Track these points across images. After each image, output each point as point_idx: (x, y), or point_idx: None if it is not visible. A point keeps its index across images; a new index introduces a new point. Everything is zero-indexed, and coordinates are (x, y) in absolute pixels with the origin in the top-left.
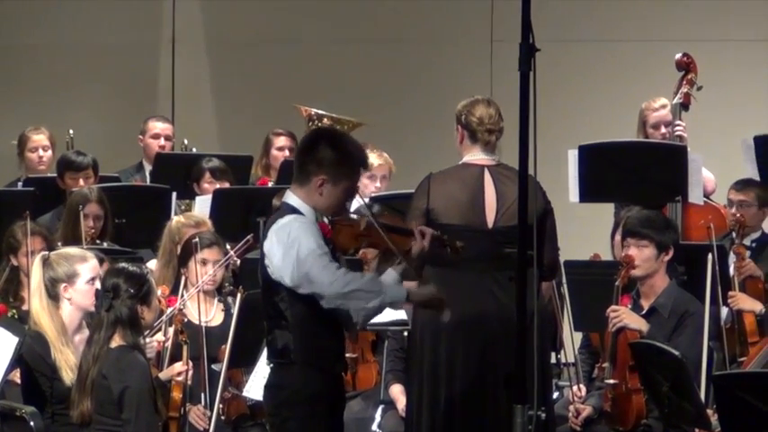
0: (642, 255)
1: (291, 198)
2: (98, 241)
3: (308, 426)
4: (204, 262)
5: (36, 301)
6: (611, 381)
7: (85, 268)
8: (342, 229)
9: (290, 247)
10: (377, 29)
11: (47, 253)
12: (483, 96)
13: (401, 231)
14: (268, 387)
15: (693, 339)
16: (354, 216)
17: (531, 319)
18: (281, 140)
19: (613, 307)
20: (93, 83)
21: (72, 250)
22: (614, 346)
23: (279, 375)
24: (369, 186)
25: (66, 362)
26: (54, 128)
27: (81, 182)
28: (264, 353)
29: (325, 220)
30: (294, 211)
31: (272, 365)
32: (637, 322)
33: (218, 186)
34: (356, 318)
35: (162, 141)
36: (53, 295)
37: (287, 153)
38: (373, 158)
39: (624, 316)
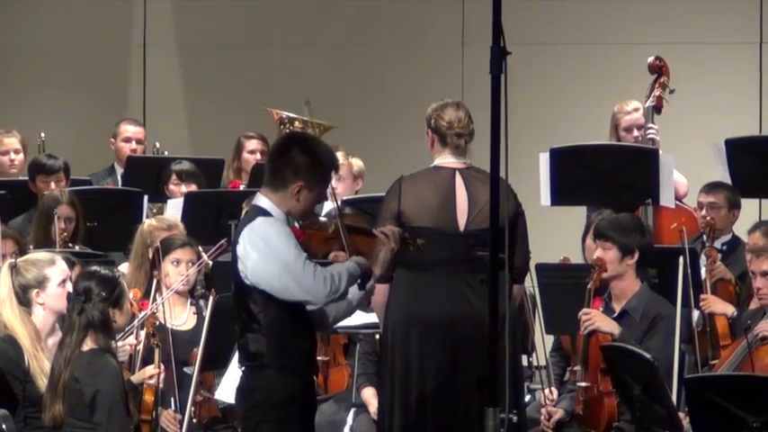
0: (606, 256)
1: (263, 201)
2: (71, 244)
3: (281, 429)
4: (177, 262)
5: (7, 309)
6: (583, 384)
7: (55, 272)
8: (313, 234)
9: (269, 254)
10: (348, 32)
11: (14, 260)
12: (453, 99)
13: (369, 233)
14: (240, 390)
15: (665, 342)
16: (323, 220)
17: (503, 321)
18: (253, 144)
19: (585, 310)
20: (65, 86)
21: (39, 255)
22: (586, 349)
23: (251, 379)
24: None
25: (41, 368)
26: (25, 131)
27: (52, 185)
28: (237, 356)
29: (296, 224)
30: (265, 214)
31: (244, 369)
32: (608, 325)
33: (183, 189)
34: (330, 318)
35: (133, 145)
36: (24, 301)
37: (258, 156)
38: None
39: (596, 319)
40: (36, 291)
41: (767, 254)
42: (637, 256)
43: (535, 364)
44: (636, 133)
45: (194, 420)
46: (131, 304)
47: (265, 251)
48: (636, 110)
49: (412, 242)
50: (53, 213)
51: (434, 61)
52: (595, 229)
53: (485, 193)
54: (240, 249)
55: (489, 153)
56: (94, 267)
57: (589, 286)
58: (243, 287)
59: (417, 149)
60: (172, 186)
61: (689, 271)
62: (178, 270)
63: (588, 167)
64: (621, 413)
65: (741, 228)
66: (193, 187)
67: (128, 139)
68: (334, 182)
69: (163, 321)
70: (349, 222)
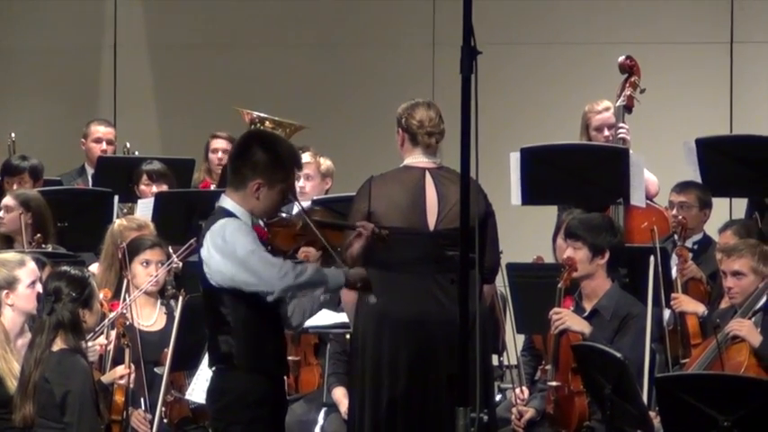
0: (576, 256)
1: (226, 202)
2: (43, 246)
3: (252, 430)
4: (147, 263)
5: None
6: (554, 383)
7: (24, 272)
8: (279, 232)
9: (227, 250)
10: (319, 32)
11: None
12: (424, 99)
13: (337, 227)
14: (210, 392)
15: (636, 341)
16: (290, 216)
17: (473, 321)
18: (216, 143)
19: (556, 309)
20: (35, 86)
21: (8, 255)
22: (557, 349)
23: (222, 380)
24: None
25: (11, 370)
26: None
27: (15, 186)
28: (207, 356)
29: (261, 223)
30: (229, 214)
31: (214, 370)
32: (579, 324)
33: (154, 189)
34: (298, 320)
35: (104, 145)
36: None
37: (220, 155)
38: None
39: (566, 318)
40: (5, 292)
41: (738, 253)
42: (607, 255)
43: (506, 363)
44: (607, 133)
45: (165, 420)
46: (101, 304)
47: (225, 250)
48: (607, 109)
49: (377, 234)
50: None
51: (405, 61)
52: (566, 228)
53: (455, 193)
54: (204, 252)
55: (460, 153)
56: (64, 268)
57: (559, 286)
58: (211, 290)
59: (388, 149)
60: (143, 186)
61: (660, 270)
62: (147, 271)
63: (559, 167)
64: (592, 413)
65: (712, 227)
66: (164, 187)
67: (98, 140)
68: (302, 181)
69: (132, 322)
70: (317, 217)
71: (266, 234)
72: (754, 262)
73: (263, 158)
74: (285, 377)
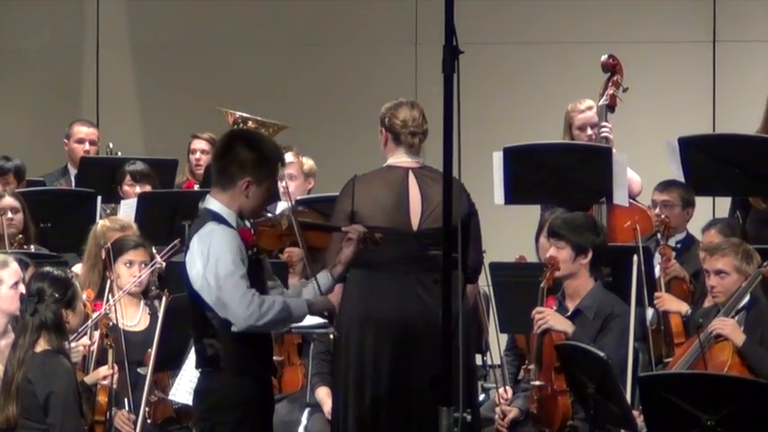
0: (559, 255)
1: (212, 203)
2: (25, 246)
3: (238, 431)
4: (130, 263)
5: None
6: (537, 382)
7: (7, 273)
8: (264, 232)
9: (209, 264)
10: (302, 32)
11: None
12: (407, 99)
13: (323, 228)
14: (197, 392)
15: (619, 341)
16: (275, 216)
17: (457, 321)
18: (195, 144)
19: (538, 309)
20: (17, 86)
21: None
22: (540, 348)
23: (208, 381)
24: (280, 187)
25: None
26: None
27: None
28: (191, 356)
29: (247, 224)
30: (215, 217)
31: (200, 371)
32: (562, 324)
33: (137, 189)
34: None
35: (87, 146)
36: None
37: (198, 156)
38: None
39: (549, 317)
40: None
41: (720, 252)
42: (590, 255)
43: (489, 362)
44: (589, 132)
45: (148, 421)
46: (85, 305)
47: (206, 263)
48: (589, 108)
49: (370, 237)
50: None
51: (388, 61)
52: (549, 227)
53: (438, 193)
54: (188, 256)
55: (442, 152)
56: (47, 268)
57: (542, 285)
58: (194, 293)
59: (371, 149)
60: (126, 187)
61: (643, 269)
62: (131, 271)
63: (542, 166)
64: (575, 411)
65: (695, 226)
66: (147, 188)
67: (81, 141)
68: (286, 181)
69: (116, 322)
70: (303, 219)
71: (252, 236)
72: (737, 261)
73: (250, 156)
74: (272, 378)
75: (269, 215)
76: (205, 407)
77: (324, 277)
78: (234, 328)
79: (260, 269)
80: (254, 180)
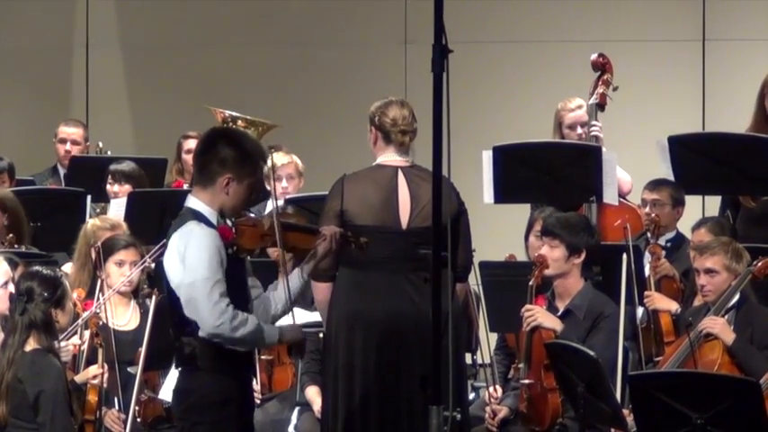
0: (553, 254)
1: (193, 202)
2: (16, 246)
3: (216, 431)
4: (121, 263)
5: None
6: (526, 381)
7: None
8: (245, 231)
9: (185, 265)
10: (291, 31)
11: None
12: (396, 98)
13: (306, 230)
14: (176, 392)
15: (608, 341)
16: (258, 216)
17: (446, 320)
18: (189, 143)
19: (528, 306)
20: (7, 86)
21: None
22: (529, 346)
23: (187, 380)
24: (276, 188)
25: None
26: None
27: None
28: None
29: (228, 223)
30: (196, 215)
31: (180, 370)
32: (551, 321)
33: (116, 188)
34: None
35: (68, 146)
36: None
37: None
38: (278, 158)
39: (538, 315)
40: None
41: (710, 251)
42: (584, 256)
43: (479, 361)
44: (579, 131)
45: (138, 420)
46: (75, 304)
47: (182, 262)
48: (579, 107)
49: (355, 241)
50: None
51: (377, 60)
52: (543, 226)
53: (427, 191)
54: (166, 254)
55: (432, 151)
56: (36, 268)
57: (531, 283)
58: (173, 291)
59: (360, 148)
60: (107, 186)
61: (633, 268)
62: (121, 271)
63: (532, 165)
64: (566, 410)
65: (685, 225)
66: (127, 187)
67: (63, 140)
68: (284, 182)
69: (106, 322)
70: (287, 220)
71: (231, 234)
72: (727, 260)
73: (231, 153)
74: (253, 377)
75: (251, 215)
76: (183, 406)
77: (295, 277)
78: (200, 333)
79: (240, 268)
80: (235, 177)
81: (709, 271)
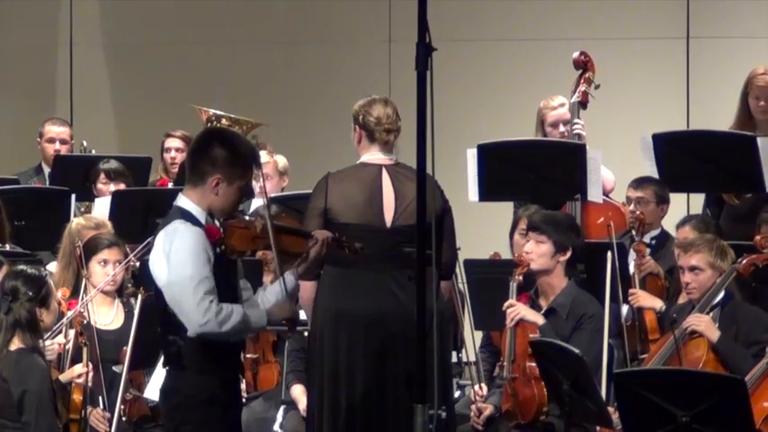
0: (539, 250)
1: (183, 201)
2: (0, 245)
3: (202, 430)
4: (105, 262)
5: None
6: (511, 375)
7: None
8: (235, 232)
9: (170, 263)
10: (275, 30)
11: None
12: (380, 96)
13: (299, 233)
14: (163, 391)
15: (591, 341)
16: (250, 218)
17: (431, 318)
18: (169, 142)
19: (510, 301)
20: None
21: None
22: (513, 340)
23: (173, 379)
24: (256, 187)
25: None
26: None
27: None
28: None
29: (217, 223)
30: (184, 214)
31: (167, 369)
32: (534, 316)
33: (112, 187)
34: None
35: (57, 145)
36: None
37: (173, 154)
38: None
39: (520, 309)
40: None
41: (695, 249)
42: (569, 254)
43: (465, 360)
44: (562, 129)
45: (124, 419)
46: (59, 303)
47: (167, 261)
48: (562, 105)
49: (349, 246)
50: None
51: (361, 58)
52: (530, 221)
53: (411, 189)
54: (152, 253)
55: (416, 149)
56: (21, 267)
57: (511, 281)
58: (159, 290)
59: (345, 146)
60: (100, 185)
61: (617, 266)
62: (105, 270)
63: (516, 163)
64: (551, 409)
65: (670, 222)
66: (122, 186)
67: (51, 140)
68: (263, 181)
69: (90, 321)
70: (279, 222)
71: (219, 233)
72: (712, 257)
73: (223, 154)
74: (240, 376)
75: (246, 217)
76: (169, 406)
77: (290, 277)
78: (189, 333)
79: (230, 268)
80: (225, 178)
81: (693, 268)
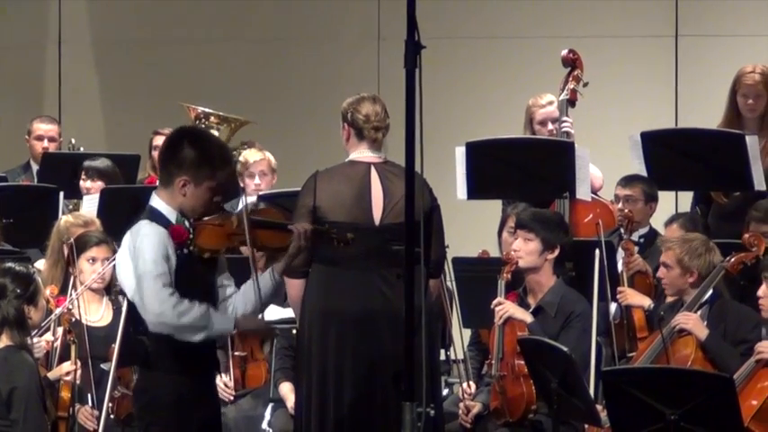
0: (527, 247)
1: (155, 200)
2: None
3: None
4: (93, 260)
5: None
6: (499, 373)
7: None
8: (204, 230)
9: (132, 262)
10: (264, 27)
11: None
12: (369, 94)
13: (277, 227)
14: (133, 391)
15: (579, 340)
16: (226, 214)
17: (419, 316)
18: (157, 139)
19: (498, 299)
20: None
21: None
22: (501, 338)
23: (143, 380)
24: (250, 184)
25: None
26: None
27: None
28: None
29: (186, 223)
30: (153, 214)
31: (138, 369)
32: (522, 313)
33: (89, 185)
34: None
35: (45, 143)
36: None
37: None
38: (251, 155)
39: (508, 307)
40: None
41: (667, 245)
42: (557, 252)
43: (453, 357)
44: (550, 126)
45: (112, 416)
46: (48, 301)
47: (130, 260)
48: (550, 103)
49: (339, 237)
50: None
51: (350, 56)
52: (518, 219)
53: (400, 188)
54: (119, 253)
55: (405, 147)
56: (9, 264)
57: (499, 279)
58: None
59: (333, 144)
60: (81, 182)
61: (605, 264)
62: (94, 268)
63: (504, 161)
64: (540, 407)
65: (658, 221)
66: (100, 184)
67: (40, 137)
68: (257, 179)
69: (79, 318)
70: (258, 217)
71: (186, 234)
72: (681, 255)
73: (191, 155)
74: (218, 376)
75: (226, 213)
76: (138, 406)
77: (266, 278)
78: (149, 327)
79: (204, 268)
80: (191, 180)
81: (665, 265)
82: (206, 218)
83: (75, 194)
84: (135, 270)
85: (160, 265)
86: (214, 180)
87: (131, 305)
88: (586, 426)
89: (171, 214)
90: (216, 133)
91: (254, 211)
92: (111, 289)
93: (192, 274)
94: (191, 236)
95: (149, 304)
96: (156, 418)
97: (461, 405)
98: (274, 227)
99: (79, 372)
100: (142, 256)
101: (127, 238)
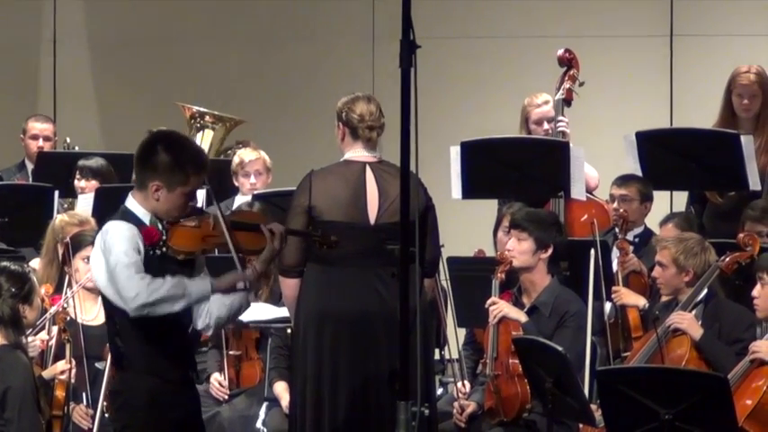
0: (520, 247)
1: (130, 201)
2: None
3: None
4: (88, 259)
5: None
6: (494, 372)
7: None
8: (177, 232)
9: (105, 260)
10: (259, 27)
11: None
12: (363, 93)
13: (255, 229)
14: (110, 392)
15: (573, 339)
16: (203, 216)
17: (414, 315)
18: None
19: (493, 299)
20: None
21: None
22: (496, 337)
23: (119, 380)
24: (245, 184)
25: None
26: None
27: None
28: None
29: (159, 225)
30: (125, 215)
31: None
32: (516, 313)
33: (83, 184)
34: (204, 322)
35: (41, 142)
36: None
37: None
38: (247, 154)
39: (503, 306)
40: None
41: (662, 245)
42: (551, 251)
43: (447, 357)
44: (546, 126)
45: (106, 415)
46: (42, 300)
47: (103, 256)
48: (546, 103)
49: (323, 241)
50: None
51: (345, 55)
52: (512, 219)
53: (395, 187)
54: (92, 254)
55: (399, 146)
56: (4, 263)
57: (494, 279)
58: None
59: (328, 144)
60: (75, 181)
61: (600, 263)
62: (88, 267)
63: (499, 161)
64: (534, 406)
65: (653, 220)
66: (94, 183)
67: (35, 137)
68: (252, 178)
69: (74, 317)
70: (235, 218)
71: (157, 235)
72: (676, 254)
73: (164, 161)
74: (190, 377)
75: (203, 215)
76: (114, 407)
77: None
78: (131, 314)
79: (180, 269)
80: (164, 185)
81: (660, 264)
82: (182, 219)
83: (70, 194)
84: (107, 265)
85: (131, 255)
86: (188, 186)
87: (107, 303)
88: (581, 425)
89: (145, 216)
90: (211, 132)
91: (231, 213)
92: None
93: (158, 272)
94: (163, 237)
95: (124, 290)
96: (130, 420)
97: (456, 404)
98: (250, 228)
99: (74, 371)
100: (113, 249)
101: (98, 239)
